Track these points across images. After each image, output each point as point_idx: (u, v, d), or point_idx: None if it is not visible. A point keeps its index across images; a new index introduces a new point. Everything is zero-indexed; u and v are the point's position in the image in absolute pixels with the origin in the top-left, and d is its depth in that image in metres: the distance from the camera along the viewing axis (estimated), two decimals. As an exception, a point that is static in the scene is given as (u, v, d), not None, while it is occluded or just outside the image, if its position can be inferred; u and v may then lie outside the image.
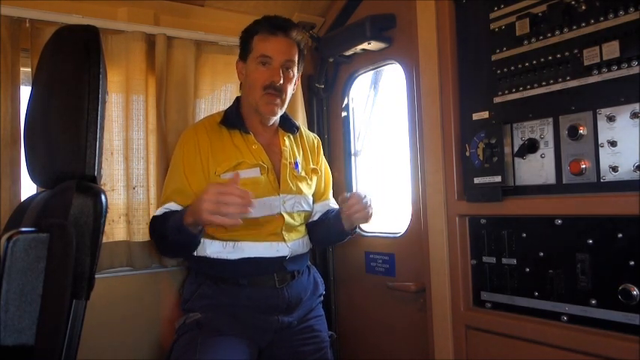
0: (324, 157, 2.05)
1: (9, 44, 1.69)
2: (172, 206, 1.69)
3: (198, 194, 1.67)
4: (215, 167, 1.72)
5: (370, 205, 1.71)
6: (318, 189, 1.97)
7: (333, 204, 2.01)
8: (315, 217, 1.95)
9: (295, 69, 1.78)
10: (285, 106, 1.80)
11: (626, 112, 1.13)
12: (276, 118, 1.83)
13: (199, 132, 1.77)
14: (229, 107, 1.86)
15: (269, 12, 1.78)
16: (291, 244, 1.78)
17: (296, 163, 1.86)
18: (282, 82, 1.71)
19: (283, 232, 1.77)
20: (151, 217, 1.93)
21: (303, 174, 1.87)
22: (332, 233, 1.88)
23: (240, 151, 1.75)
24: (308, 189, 1.88)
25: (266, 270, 1.74)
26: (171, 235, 1.58)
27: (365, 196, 1.70)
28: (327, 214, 1.92)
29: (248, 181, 1.71)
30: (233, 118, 1.79)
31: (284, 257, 1.76)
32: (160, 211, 1.70)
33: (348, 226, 1.79)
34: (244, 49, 1.78)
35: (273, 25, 1.72)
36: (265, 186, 1.74)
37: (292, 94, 1.85)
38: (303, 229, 1.88)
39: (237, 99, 1.88)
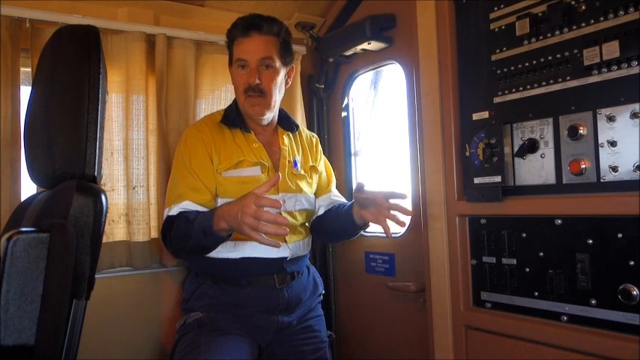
0: (323, 154, 2.04)
1: (9, 44, 1.69)
2: (188, 205, 1.65)
3: (211, 190, 1.69)
4: (217, 165, 1.72)
5: (396, 209, 1.56)
6: (320, 184, 1.97)
7: (337, 197, 1.99)
8: (320, 212, 1.93)
9: (276, 63, 1.72)
10: (275, 104, 1.77)
11: (626, 112, 1.13)
12: (269, 117, 1.80)
13: (202, 130, 1.75)
14: (229, 106, 1.85)
15: (268, 12, 1.77)
16: (292, 246, 1.78)
17: (295, 162, 1.85)
18: (258, 81, 1.69)
19: None
20: (151, 217, 1.94)
21: (302, 172, 1.86)
22: (343, 228, 1.79)
23: (241, 149, 1.75)
24: (308, 187, 1.87)
25: (266, 270, 1.74)
26: (196, 239, 1.54)
27: (386, 196, 1.56)
28: (338, 209, 1.86)
29: (249, 180, 1.71)
30: (234, 117, 1.79)
31: (284, 258, 1.75)
32: (174, 211, 1.65)
33: (360, 221, 1.69)
34: (230, 55, 1.78)
35: (246, 26, 1.70)
36: None
37: (287, 89, 1.84)
38: (304, 230, 1.87)
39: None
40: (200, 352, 1.56)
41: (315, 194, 1.94)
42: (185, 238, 1.57)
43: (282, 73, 1.77)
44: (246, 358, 1.62)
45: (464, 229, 1.47)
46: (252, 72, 1.70)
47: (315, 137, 2.03)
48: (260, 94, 1.71)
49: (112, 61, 1.87)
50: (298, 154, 1.89)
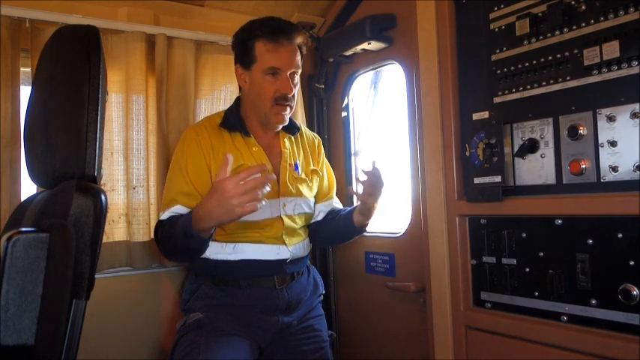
0: (325, 156, 2.03)
1: (9, 44, 1.69)
2: (179, 209, 1.65)
3: (204, 195, 1.65)
4: (216, 170, 1.70)
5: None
6: (321, 189, 1.96)
7: (337, 204, 2.01)
8: (319, 217, 1.94)
9: (299, 72, 1.77)
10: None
11: (626, 112, 1.13)
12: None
13: (200, 133, 1.74)
14: (229, 108, 1.83)
15: (269, 12, 1.78)
16: (292, 248, 1.78)
17: (296, 165, 1.84)
18: (294, 92, 1.73)
19: (284, 236, 1.76)
20: (151, 217, 1.94)
21: (303, 176, 1.85)
22: (340, 232, 1.88)
23: (240, 153, 1.74)
24: (308, 191, 1.86)
25: (266, 272, 1.74)
26: (179, 240, 1.54)
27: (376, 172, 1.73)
28: (335, 214, 1.92)
29: None
30: (233, 120, 1.77)
31: (284, 260, 1.75)
32: (165, 216, 1.66)
33: (360, 222, 1.79)
34: (245, 55, 1.72)
35: (277, 32, 1.68)
36: None
37: None
38: (303, 232, 1.87)
39: (237, 100, 1.85)
40: (200, 353, 1.56)
41: (315, 198, 1.94)
42: (170, 240, 1.59)
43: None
44: (246, 359, 1.62)
45: (464, 229, 1.47)
46: (286, 81, 1.70)
47: (317, 138, 2.02)
48: (289, 102, 1.73)
49: (112, 61, 1.87)
50: (299, 157, 1.88)
